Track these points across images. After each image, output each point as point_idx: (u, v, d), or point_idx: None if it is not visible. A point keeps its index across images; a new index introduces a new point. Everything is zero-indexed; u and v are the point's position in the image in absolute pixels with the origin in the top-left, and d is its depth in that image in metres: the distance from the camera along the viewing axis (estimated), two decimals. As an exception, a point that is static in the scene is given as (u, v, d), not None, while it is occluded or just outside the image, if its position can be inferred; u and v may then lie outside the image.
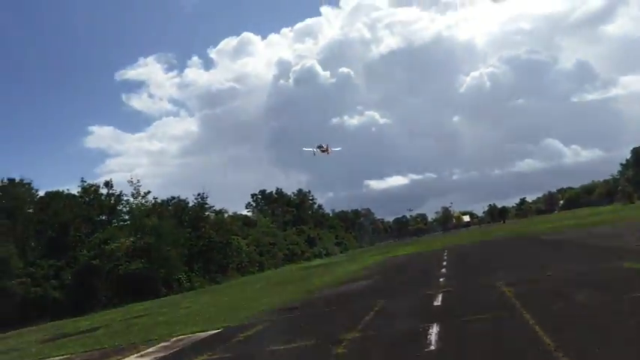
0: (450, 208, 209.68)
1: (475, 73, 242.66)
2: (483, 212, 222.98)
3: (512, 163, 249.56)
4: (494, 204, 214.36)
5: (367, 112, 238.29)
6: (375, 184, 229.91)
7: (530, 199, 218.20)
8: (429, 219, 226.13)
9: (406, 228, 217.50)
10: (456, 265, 30.32)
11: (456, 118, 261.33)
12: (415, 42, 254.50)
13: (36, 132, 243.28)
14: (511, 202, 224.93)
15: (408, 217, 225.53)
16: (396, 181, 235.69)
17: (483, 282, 18.95)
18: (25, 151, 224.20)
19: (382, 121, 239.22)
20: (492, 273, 21.02)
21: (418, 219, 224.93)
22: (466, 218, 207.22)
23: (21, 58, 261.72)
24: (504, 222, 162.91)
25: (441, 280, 22.27)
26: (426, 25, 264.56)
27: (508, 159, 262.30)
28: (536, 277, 17.50)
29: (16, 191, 54.14)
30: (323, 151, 58.29)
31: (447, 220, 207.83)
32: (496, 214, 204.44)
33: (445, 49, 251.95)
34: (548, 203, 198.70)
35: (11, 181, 56.42)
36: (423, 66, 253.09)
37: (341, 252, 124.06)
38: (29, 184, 57.58)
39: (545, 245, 34.28)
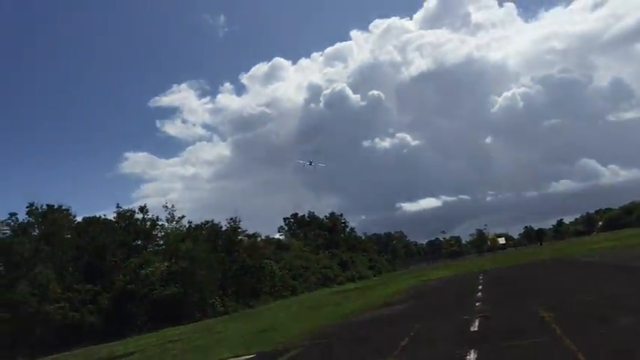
0: (484, 231, 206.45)
1: (507, 94, 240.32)
2: (519, 234, 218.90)
3: (547, 184, 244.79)
4: (530, 226, 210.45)
5: (398, 135, 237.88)
6: (408, 207, 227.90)
7: (567, 220, 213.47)
8: (464, 241, 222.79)
9: (440, 251, 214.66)
10: (492, 289, 29.69)
11: (488, 139, 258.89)
12: (446, 63, 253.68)
13: (74, 159, 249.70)
14: (548, 224, 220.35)
15: (442, 239, 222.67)
16: (429, 203, 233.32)
17: (521, 306, 18.47)
18: (63, 178, 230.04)
19: (414, 143, 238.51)
20: (531, 297, 20.49)
21: (452, 242, 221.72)
22: (501, 241, 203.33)
23: (59, 88, 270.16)
24: (541, 244, 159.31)
25: (478, 304, 21.79)
26: (456, 46, 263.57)
27: (544, 180, 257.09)
28: (576, 301, 16.99)
29: (55, 217, 55.28)
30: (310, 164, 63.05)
31: (481, 243, 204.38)
32: (533, 236, 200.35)
33: (476, 69, 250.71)
34: (587, 225, 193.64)
35: (50, 207, 57.74)
36: (454, 87, 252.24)
37: (374, 275, 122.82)
38: (68, 210, 58.85)
39: (585, 268, 33.35)
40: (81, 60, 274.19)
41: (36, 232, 54.41)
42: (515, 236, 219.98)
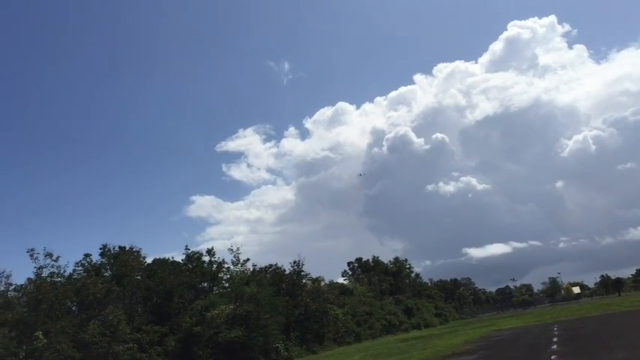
0: (557, 279, 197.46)
1: (578, 137, 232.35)
2: (595, 283, 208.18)
3: (625, 231, 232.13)
4: (607, 275, 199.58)
5: (463, 179, 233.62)
6: (475, 252, 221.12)
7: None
8: (535, 290, 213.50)
9: (510, 299, 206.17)
10: (568, 342, 28.01)
11: (559, 184, 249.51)
12: (512, 106, 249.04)
13: (144, 202, 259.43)
14: (626, 272, 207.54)
15: (512, 287, 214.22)
16: (497, 249, 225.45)
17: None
18: (134, 220, 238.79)
19: (480, 187, 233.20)
20: (610, 352, 19.20)
21: (523, 290, 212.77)
22: (576, 290, 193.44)
23: (129, 134, 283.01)
24: (620, 294, 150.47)
25: (553, 357, 20.62)
26: (523, 89, 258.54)
27: (620, 226, 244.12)
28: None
29: (127, 258, 56.77)
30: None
31: (554, 292, 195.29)
32: (610, 285, 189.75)
33: (544, 112, 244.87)
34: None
35: (122, 248, 59.48)
36: (521, 130, 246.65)
37: (441, 323, 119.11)
38: (138, 251, 60.38)
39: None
40: (150, 106, 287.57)
41: (108, 273, 55.99)
42: (591, 285, 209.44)
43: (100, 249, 57.71)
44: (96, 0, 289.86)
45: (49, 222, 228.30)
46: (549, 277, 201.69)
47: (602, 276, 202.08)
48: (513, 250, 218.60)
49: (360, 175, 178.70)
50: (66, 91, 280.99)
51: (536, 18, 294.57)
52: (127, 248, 59.92)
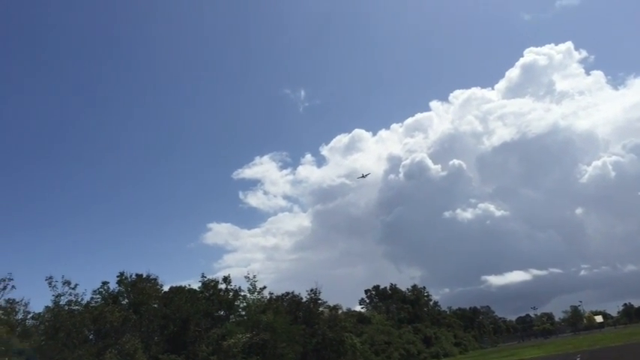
0: (579, 307, 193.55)
1: (597, 163, 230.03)
2: (618, 312, 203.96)
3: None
4: (630, 303, 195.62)
5: (481, 205, 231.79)
6: (494, 280, 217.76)
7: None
8: (557, 319, 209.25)
9: (531, 328, 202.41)
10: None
11: (579, 210, 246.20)
12: (529, 133, 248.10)
13: (161, 229, 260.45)
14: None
15: (533, 316, 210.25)
16: (517, 276, 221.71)
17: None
18: (152, 248, 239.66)
19: (498, 213, 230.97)
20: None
21: (544, 318, 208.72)
22: (598, 319, 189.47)
23: (146, 161, 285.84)
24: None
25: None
26: (540, 115, 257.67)
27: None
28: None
29: (143, 286, 56.81)
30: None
31: (576, 321, 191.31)
32: (633, 314, 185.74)
33: (562, 138, 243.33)
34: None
35: (139, 276, 59.54)
36: (539, 156, 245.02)
37: (460, 353, 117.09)
38: (155, 279, 60.40)
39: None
40: (167, 135, 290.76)
41: (125, 301, 55.99)
42: (614, 314, 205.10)
43: (118, 277, 57.85)
44: (120, 31, 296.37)
45: (68, 250, 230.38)
46: (571, 306, 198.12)
47: (625, 304, 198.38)
48: (533, 278, 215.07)
49: (363, 176, 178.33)
50: (89, 123, 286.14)
51: (552, 44, 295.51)
52: (144, 276, 59.98)
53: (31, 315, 52.84)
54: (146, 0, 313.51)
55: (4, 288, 46.45)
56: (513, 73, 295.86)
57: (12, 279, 47.07)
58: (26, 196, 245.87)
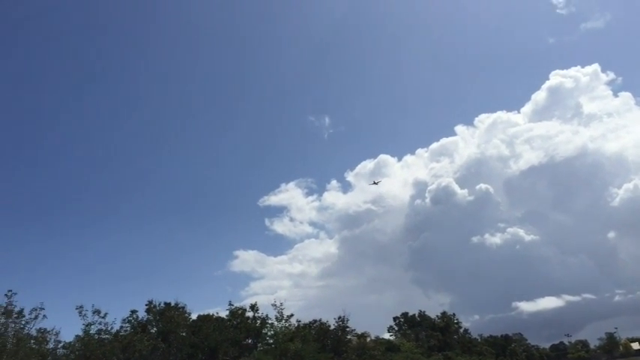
0: (615, 334, 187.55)
1: (629, 185, 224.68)
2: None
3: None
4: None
5: (510, 230, 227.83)
6: (526, 307, 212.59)
7: None
8: (592, 346, 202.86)
9: (565, 356, 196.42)
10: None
11: (611, 234, 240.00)
12: (557, 156, 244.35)
13: (189, 258, 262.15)
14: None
15: (567, 343, 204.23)
16: (549, 302, 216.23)
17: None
18: (179, 275, 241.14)
19: (527, 238, 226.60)
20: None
21: (578, 346, 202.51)
22: (635, 346, 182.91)
23: (175, 193, 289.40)
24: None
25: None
26: (568, 138, 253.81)
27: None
28: None
29: (172, 314, 57.09)
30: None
31: (612, 348, 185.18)
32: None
33: (591, 161, 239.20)
34: None
35: (167, 304, 59.90)
36: (568, 180, 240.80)
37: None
38: (183, 307, 60.67)
39: None
40: (194, 163, 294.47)
41: (154, 330, 56.24)
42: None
43: (146, 305, 58.27)
44: (145, 61, 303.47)
45: (98, 278, 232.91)
46: (606, 333, 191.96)
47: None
48: (566, 304, 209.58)
49: (375, 183, 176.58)
50: (120, 154, 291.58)
51: (578, 67, 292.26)
52: (173, 304, 60.31)
53: (61, 344, 53.19)
54: (173, 36, 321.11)
55: (36, 317, 46.88)
56: (539, 96, 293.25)
57: (43, 308, 47.52)
58: (56, 226, 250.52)
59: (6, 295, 46.71)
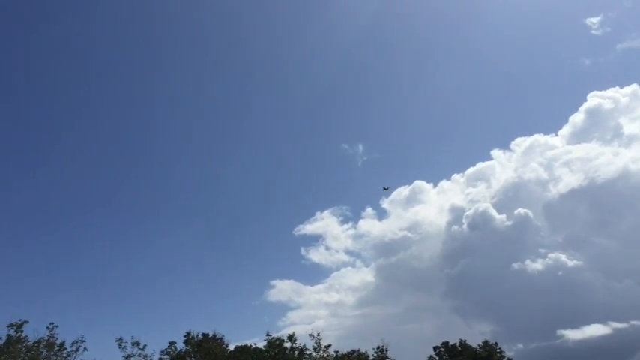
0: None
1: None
2: None
3: None
4: None
5: (551, 255, 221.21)
6: (571, 334, 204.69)
7: None
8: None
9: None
10: None
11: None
12: (598, 178, 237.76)
13: (226, 288, 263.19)
14: None
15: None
16: (596, 330, 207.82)
17: None
18: (216, 306, 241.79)
19: (570, 263, 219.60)
20: None
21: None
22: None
23: (209, 223, 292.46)
24: None
25: None
26: (608, 160, 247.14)
27: None
28: None
29: (210, 345, 57.03)
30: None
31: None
32: None
33: (634, 183, 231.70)
34: None
35: (205, 335, 59.90)
36: (610, 202, 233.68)
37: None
38: (221, 338, 60.58)
39: None
40: (229, 194, 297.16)
41: (192, 361, 56.25)
42: None
43: (185, 336, 58.36)
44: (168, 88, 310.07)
45: (136, 309, 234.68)
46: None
47: None
48: (614, 331, 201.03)
49: (385, 189, 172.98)
50: (156, 187, 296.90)
51: (617, 87, 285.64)
52: (210, 335, 60.26)
53: (102, 376, 53.76)
54: (201, 59, 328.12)
55: (77, 350, 47.56)
56: (577, 118, 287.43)
57: (84, 340, 48.17)
58: (95, 258, 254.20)
59: (48, 327, 47.58)
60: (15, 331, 45.70)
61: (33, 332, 46.77)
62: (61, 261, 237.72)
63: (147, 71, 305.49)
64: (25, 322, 46.43)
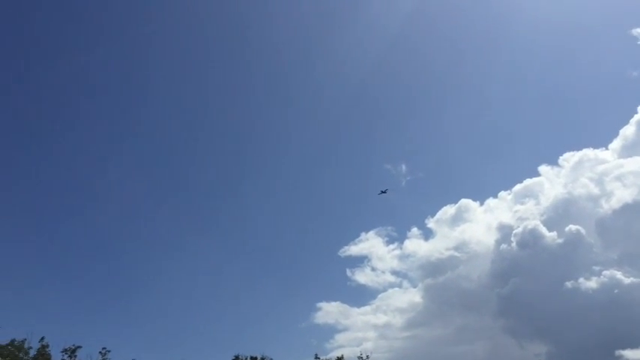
0: None
1: None
2: None
3: None
4: None
5: (606, 272, 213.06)
6: (631, 355, 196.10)
7: None
8: None
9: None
10: None
11: None
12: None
13: (272, 310, 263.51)
14: None
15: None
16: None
17: None
18: (264, 329, 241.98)
19: (627, 281, 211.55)
20: None
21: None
22: None
23: (256, 246, 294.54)
24: None
25: None
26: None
27: None
28: None
29: (258, 369, 57.04)
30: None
31: None
32: None
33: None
34: None
35: (254, 358, 60.01)
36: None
37: None
38: (269, 362, 60.49)
39: None
40: (274, 219, 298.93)
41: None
42: None
43: (233, 359, 58.64)
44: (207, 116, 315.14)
45: (183, 331, 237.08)
46: None
47: None
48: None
49: (383, 192, 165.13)
50: (195, 220, 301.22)
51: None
52: (259, 358, 60.34)
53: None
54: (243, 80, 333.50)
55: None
56: (628, 130, 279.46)
57: None
58: (141, 280, 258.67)
59: (100, 352, 48.63)
60: (69, 356, 46.87)
61: (86, 358, 47.81)
62: (106, 289, 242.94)
63: (187, 89, 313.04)
64: (79, 347, 47.57)
